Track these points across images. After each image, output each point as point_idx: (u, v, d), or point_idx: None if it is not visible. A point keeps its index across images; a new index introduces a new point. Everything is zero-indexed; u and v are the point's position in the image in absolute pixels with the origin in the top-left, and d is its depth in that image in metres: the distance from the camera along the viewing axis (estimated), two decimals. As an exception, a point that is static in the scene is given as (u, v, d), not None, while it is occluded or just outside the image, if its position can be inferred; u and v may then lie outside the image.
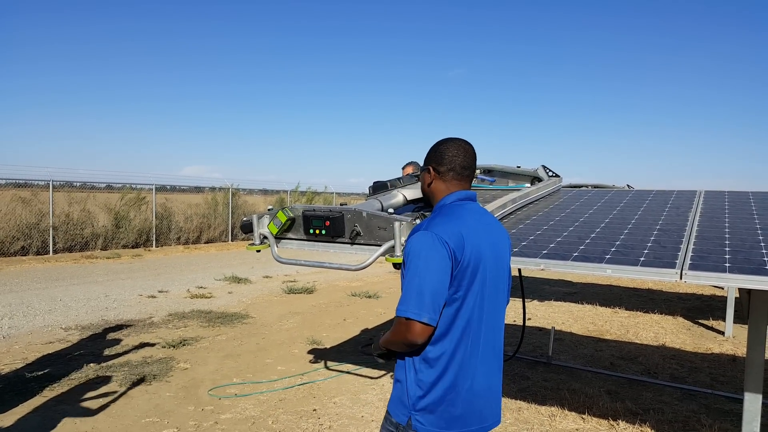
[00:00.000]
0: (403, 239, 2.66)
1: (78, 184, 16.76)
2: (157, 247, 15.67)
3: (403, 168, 5.29)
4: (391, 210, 3.06)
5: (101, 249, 14.19)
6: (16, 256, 12.55)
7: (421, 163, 5.56)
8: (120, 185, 16.17)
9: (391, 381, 4.72)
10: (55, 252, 13.22)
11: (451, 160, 1.82)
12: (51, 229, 13.16)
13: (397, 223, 2.64)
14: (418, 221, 2.63)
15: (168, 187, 18.97)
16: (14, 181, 14.14)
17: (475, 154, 1.87)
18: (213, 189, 18.63)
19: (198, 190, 19.45)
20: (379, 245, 2.72)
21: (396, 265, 2.91)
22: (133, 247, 15.04)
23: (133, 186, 16.08)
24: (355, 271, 2.62)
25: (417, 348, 1.67)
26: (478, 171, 4.41)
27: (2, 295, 8.22)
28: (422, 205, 3.76)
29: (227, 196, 18.15)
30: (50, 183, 13.51)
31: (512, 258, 2.51)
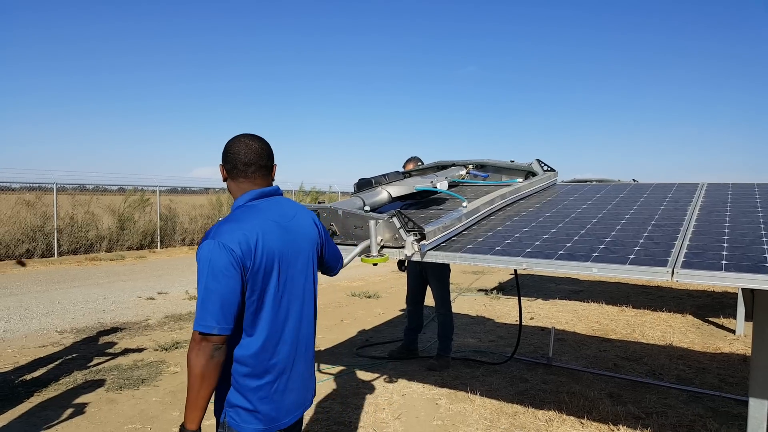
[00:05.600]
0: (380, 238, 2.52)
1: (90, 186, 16.69)
2: (161, 248, 15.65)
3: (404, 164, 5.14)
4: (367, 208, 2.92)
5: (106, 251, 14.18)
6: (21, 258, 12.57)
7: (424, 159, 5.42)
8: (131, 187, 16.15)
9: (384, 384, 4.58)
10: (60, 254, 13.22)
11: (233, 157, 1.82)
12: (55, 231, 13.17)
13: (372, 222, 2.50)
14: (394, 219, 2.49)
15: (179, 188, 18.95)
16: (28, 184, 14.06)
17: (262, 149, 1.84)
18: (221, 190, 18.57)
19: (207, 191, 19.42)
20: (356, 245, 2.58)
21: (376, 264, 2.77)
22: (137, 249, 15.02)
23: (138, 188, 16.07)
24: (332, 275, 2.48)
25: (219, 356, 1.63)
26: (470, 166, 4.25)
27: (2, 298, 8.19)
28: (410, 203, 3.62)
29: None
30: (54, 186, 13.53)
31: (494, 257, 2.36)
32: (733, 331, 6.49)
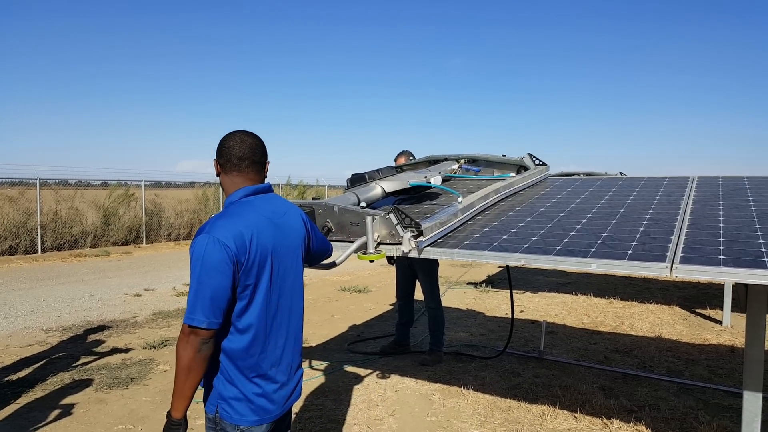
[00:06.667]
0: (377, 234, 2.49)
1: (73, 181, 16.42)
2: (147, 243, 15.47)
3: (395, 158, 5.10)
4: (363, 204, 2.89)
5: (90, 247, 13.99)
6: (3, 255, 12.34)
7: (415, 153, 5.39)
8: (115, 182, 15.91)
9: (377, 380, 4.56)
10: (44, 251, 13.01)
11: (228, 151, 1.84)
12: (39, 227, 12.95)
13: (369, 218, 2.46)
14: (391, 215, 2.46)
15: (163, 183, 18.71)
16: (10, 179, 13.78)
17: (256, 145, 1.87)
18: (206, 184, 18.38)
19: (192, 185, 19.19)
20: (352, 241, 2.55)
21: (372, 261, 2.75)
22: (123, 245, 14.84)
23: (122, 182, 15.84)
24: (327, 270, 2.46)
25: (206, 350, 1.68)
26: (462, 161, 4.23)
27: (-16, 296, 8.03)
28: (403, 198, 3.59)
29: (218, 190, 17.93)
30: (37, 181, 13.29)
31: (492, 253, 2.34)
32: (720, 323, 6.57)
